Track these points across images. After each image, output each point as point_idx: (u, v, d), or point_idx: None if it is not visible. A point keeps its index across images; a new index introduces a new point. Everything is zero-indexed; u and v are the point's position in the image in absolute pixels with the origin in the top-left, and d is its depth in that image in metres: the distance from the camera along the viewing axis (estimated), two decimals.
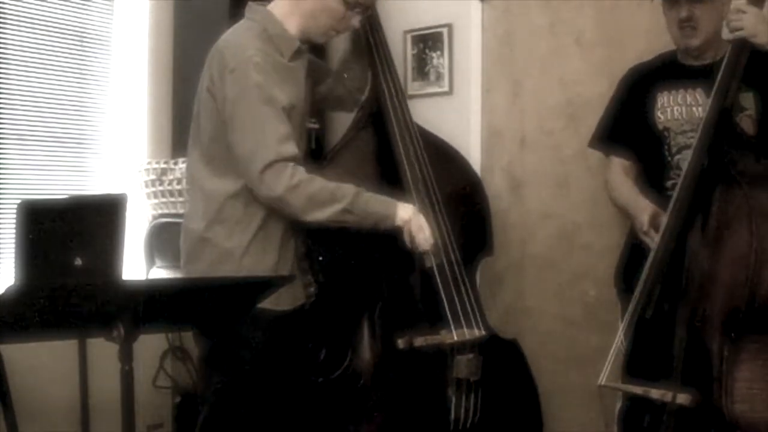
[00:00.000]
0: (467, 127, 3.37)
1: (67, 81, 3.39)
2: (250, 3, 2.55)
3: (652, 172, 2.63)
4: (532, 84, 3.29)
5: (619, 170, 2.72)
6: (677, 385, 2.19)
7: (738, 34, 2.35)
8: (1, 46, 3.18)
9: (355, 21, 2.57)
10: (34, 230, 2.33)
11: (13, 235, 2.36)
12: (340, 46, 2.99)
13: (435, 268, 2.60)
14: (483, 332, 2.65)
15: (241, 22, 2.52)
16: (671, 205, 2.35)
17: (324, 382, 2.59)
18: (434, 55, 3.43)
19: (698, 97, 2.55)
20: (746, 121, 2.51)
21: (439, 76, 3.43)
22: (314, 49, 3.15)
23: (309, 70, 2.61)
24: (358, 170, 2.67)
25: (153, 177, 3.29)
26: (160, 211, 3.31)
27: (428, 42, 3.45)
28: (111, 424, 2.17)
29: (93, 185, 3.48)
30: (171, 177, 3.25)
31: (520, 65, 3.31)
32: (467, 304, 2.65)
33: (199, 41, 3.52)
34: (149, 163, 3.35)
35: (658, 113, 2.63)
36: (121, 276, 2.57)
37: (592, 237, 3.13)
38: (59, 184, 3.36)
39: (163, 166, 3.28)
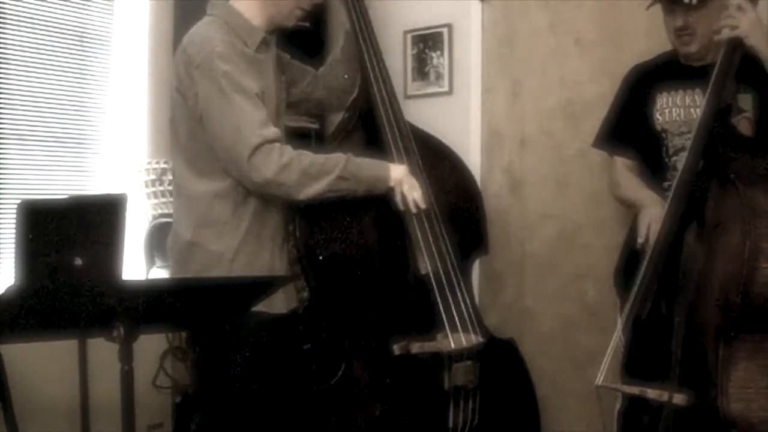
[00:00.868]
0: (467, 128, 3.37)
1: (67, 81, 3.39)
2: (211, 0, 2.54)
3: (651, 173, 2.64)
4: (532, 84, 3.29)
5: (623, 168, 2.72)
6: (674, 386, 2.20)
7: (732, 32, 2.36)
8: (1, 46, 3.18)
9: None
10: (34, 230, 2.32)
11: (13, 235, 2.35)
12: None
13: (431, 275, 2.58)
14: (480, 338, 2.63)
15: (204, 18, 2.51)
16: (666, 205, 2.36)
17: (320, 389, 2.57)
18: (434, 55, 3.44)
19: (696, 98, 2.56)
20: (744, 123, 2.51)
21: (439, 76, 3.43)
22: (314, 45, 3.16)
23: (279, 65, 2.59)
24: None
25: (153, 177, 3.29)
26: (160, 211, 3.31)
27: (428, 42, 3.45)
28: (111, 424, 2.17)
29: (93, 185, 3.48)
30: (171, 177, 3.24)
31: (520, 65, 3.32)
32: (464, 309, 2.62)
33: None
34: (149, 163, 3.35)
35: (657, 114, 2.63)
36: (121, 276, 2.57)
37: (592, 237, 3.13)
38: (59, 184, 3.37)
39: (163, 166, 3.28)
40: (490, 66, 3.38)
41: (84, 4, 3.43)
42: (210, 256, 2.40)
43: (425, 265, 2.57)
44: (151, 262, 3.33)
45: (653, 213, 2.45)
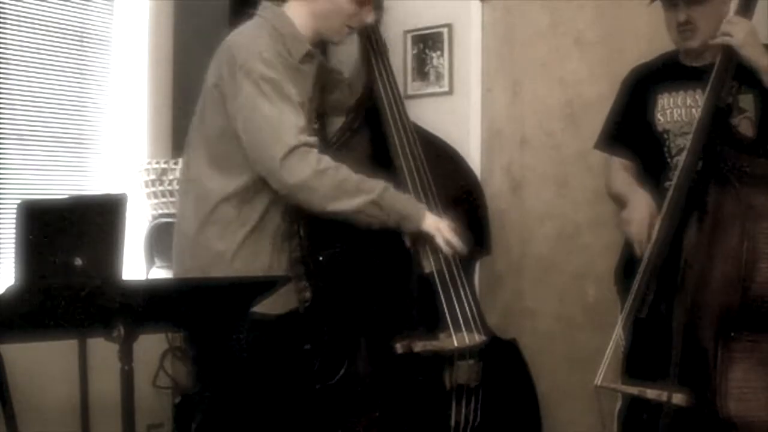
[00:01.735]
0: (467, 127, 3.37)
1: (67, 81, 3.39)
2: (263, 1, 2.52)
3: (652, 173, 2.64)
4: (532, 84, 3.29)
5: (619, 167, 2.72)
6: (673, 385, 2.20)
7: (727, 40, 2.37)
8: (1, 46, 3.18)
9: (369, 17, 2.54)
10: (34, 230, 2.32)
11: (13, 235, 2.36)
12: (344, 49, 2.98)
13: (435, 274, 2.58)
14: (483, 337, 2.63)
15: (253, 19, 2.49)
16: (665, 205, 2.36)
17: (322, 388, 2.57)
18: (434, 55, 3.44)
19: (698, 98, 2.55)
20: (745, 123, 2.51)
21: (439, 76, 3.43)
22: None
23: (319, 75, 2.58)
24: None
25: (153, 177, 3.29)
26: (160, 211, 3.31)
27: (428, 42, 3.45)
28: (111, 424, 2.17)
29: (93, 185, 3.48)
30: (171, 177, 3.25)
31: (520, 65, 3.31)
32: (467, 308, 2.63)
33: (199, 41, 3.54)
34: (149, 163, 3.35)
35: (658, 115, 2.63)
36: (121, 276, 2.57)
37: (592, 237, 3.13)
38: (59, 184, 3.37)
39: (163, 166, 3.28)
40: (490, 66, 3.38)
41: (84, 4, 3.44)
42: (211, 255, 2.40)
43: (429, 264, 2.58)
44: (151, 262, 3.33)
45: (635, 213, 2.45)
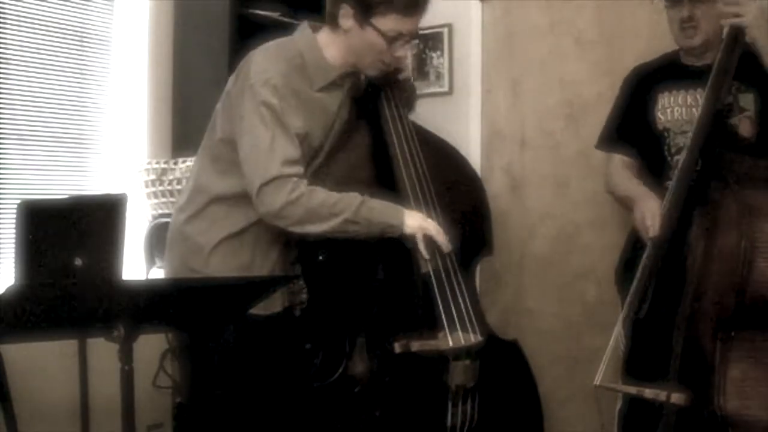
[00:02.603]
0: (467, 127, 3.37)
1: (67, 81, 3.39)
2: (305, 21, 2.52)
3: (652, 172, 2.64)
4: (532, 84, 3.29)
5: (620, 165, 2.73)
6: (673, 385, 2.20)
7: (736, 20, 2.37)
8: (1, 46, 3.18)
9: (403, 51, 2.50)
10: (34, 230, 2.33)
11: (13, 235, 2.36)
12: None
13: (432, 274, 2.58)
14: (480, 338, 2.62)
15: (285, 38, 2.50)
16: (665, 204, 2.36)
17: (319, 387, 2.57)
18: (434, 55, 3.44)
19: (698, 98, 2.56)
20: (746, 122, 2.52)
21: (439, 76, 3.43)
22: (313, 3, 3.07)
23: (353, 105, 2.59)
24: (352, 175, 2.64)
25: (153, 177, 3.29)
26: (160, 211, 3.31)
27: (428, 42, 3.45)
28: (111, 424, 2.17)
29: (93, 185, 3.48)
30: (171, 177, 3.25)
31: (520, 65, 3.32)
32: (464, 309, 2.62)
33: (199, 41, 3.55)
34: (149, 163, 3.35)
35: (659, 114, 2.63)
36: (121, 276, 2.57)
37: (592, 237, 3.13)
38: (59, 184, 3.36)
39: (163, 166, 3.28)
40: (490, 66, 3.38)
41: (84, 4, 3.43)
42: (191, 246, 2.44)
43: (425, 264, 2.58)
44: (151, 262, 3.33)
45: (648, 206, 2.45)
